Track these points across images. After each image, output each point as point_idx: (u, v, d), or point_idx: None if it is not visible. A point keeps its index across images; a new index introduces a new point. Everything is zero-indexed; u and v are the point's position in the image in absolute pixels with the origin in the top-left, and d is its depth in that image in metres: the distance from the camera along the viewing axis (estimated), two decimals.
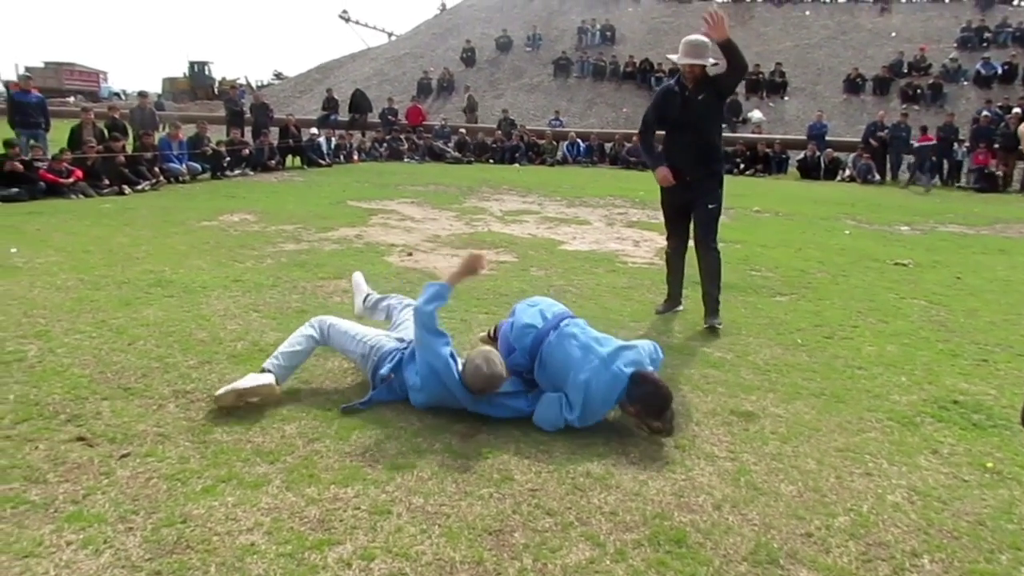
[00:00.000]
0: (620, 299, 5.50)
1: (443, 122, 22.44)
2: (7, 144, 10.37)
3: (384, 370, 3.35)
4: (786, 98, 24.26)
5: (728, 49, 4.37)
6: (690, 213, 4.83)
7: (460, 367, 3.19)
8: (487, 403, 3.19)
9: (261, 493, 2.56)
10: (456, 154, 20.18)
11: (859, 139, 19.01)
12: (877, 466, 2.93)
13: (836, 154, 18.83)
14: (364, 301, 4.19)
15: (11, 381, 3.48)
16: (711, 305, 4.77)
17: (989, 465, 2.96)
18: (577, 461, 2.86)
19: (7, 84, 19.29)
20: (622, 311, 5.14)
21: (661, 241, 8.48)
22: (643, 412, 3.04)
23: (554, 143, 21.13)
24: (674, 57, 4.72)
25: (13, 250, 6.45)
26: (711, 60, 4.59)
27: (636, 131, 21.82)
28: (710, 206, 4.70)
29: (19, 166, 10.00)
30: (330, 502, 2.52)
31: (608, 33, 28.39)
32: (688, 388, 3.68)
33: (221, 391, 3.22)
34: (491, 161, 20.15)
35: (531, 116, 24.26)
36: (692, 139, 4.69)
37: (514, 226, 9.06)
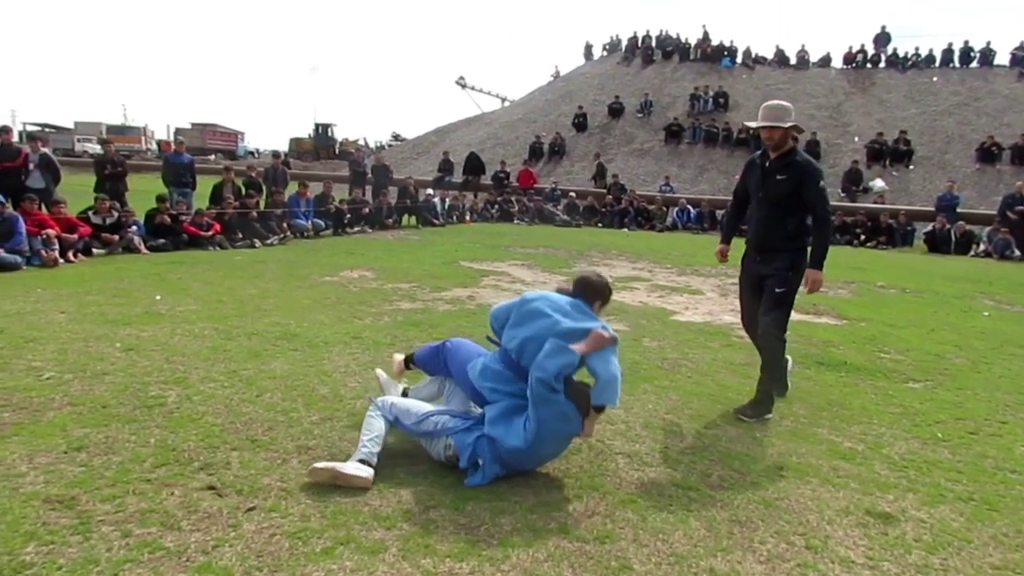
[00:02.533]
0: (738, 376, 5.30)
1: (554, 185, 22.79)
2: (159, 199, 11.37)
3: (462, 463, 3.28)
4: (911, 167, 23.28)
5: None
6: (760, 293, 4.49)
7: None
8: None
9: (378, 560, 2.57)
10: (565, 217, 20.39)
11: (995, 212, 17.87)
12: None
13: (969, 227, 17.75)
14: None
15: (152, 425, 3.69)
16: (756, 393, 4.44)
17: None
18: (699, 555, 2.72)
19: (160, 144, 21.12)
20: (740, 389, 4.94)
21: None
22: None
23: (664, 209, 21.02)
24: (752, 124, 4.55)
25: (158, 297, 6.95)
26: (789, 123, 4.26)
27: None
28: (777, 290, 4.34)
29: (167, 219, 10.91)
30: None
31: (721, 100, 28.31)
32: (817, 481, 3.47)
33: (321, 465, 3.17)
34: (600, 225, 20.23)
35: (641, 181, 24.31)
36: (765, 215, 4.42)
37: (624, 293, 8.98)
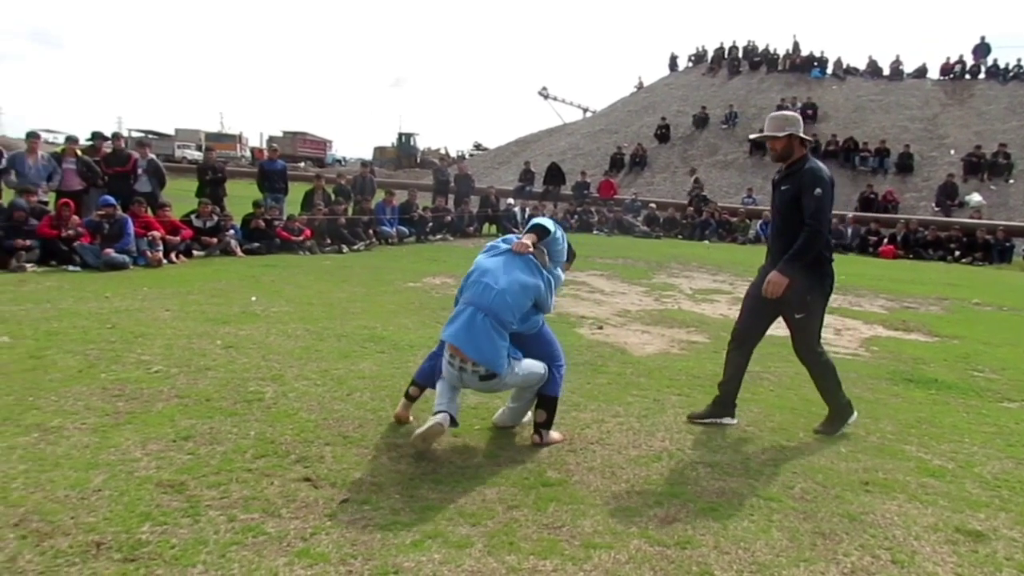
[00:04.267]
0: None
1: (634, 196, 22.67)
2: (255, 205, 11.96)
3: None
4: (1011, 181, 22.10)
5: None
6: (763, 309, 4.25)
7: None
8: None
9: (464, 555, 2.67)
10: (645, 228, 20.25)
11: None
12: None
13: None
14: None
15: (252, 419, 3.92)
16: (830, 410, 4.29)
17: None
18: (781, 565, 2.71)
19: (254, 151, 22.11)
20: (823, 405, 4.84)
21: (865, 331, 8.00)
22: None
23: (747, 221, 20.61)
24: (753, 136, 4.47)
25: (253, 298, 7.32)
26: (785, 132, 4.10)
27: (837, 212, 20.73)
28: (797, 316, 4.14)
29: (262, 224, 11.46)
30: (529, 573, 2.58)
31: (810, 111, 27.51)
32: (904, 497, 3.38)
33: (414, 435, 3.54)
34: (680, 237, 20.00)
35: (723, 193, 23.92)
36: (777, 227, 4.27)
37: (705, 305, 8.89)
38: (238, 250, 10.96)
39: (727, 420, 4.32)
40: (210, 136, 44.72)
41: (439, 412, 3.56)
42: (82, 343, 5.25)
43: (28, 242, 8.86)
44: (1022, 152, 22.97)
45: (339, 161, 50.47)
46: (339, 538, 2.73)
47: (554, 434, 3.86)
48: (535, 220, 3.87)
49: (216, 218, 11.15)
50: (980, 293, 11.29)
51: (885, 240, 18.89)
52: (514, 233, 4.23)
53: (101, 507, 2.86)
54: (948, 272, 15.21)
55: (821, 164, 4.19)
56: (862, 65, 31.69)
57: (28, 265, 8.65)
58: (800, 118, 4.30)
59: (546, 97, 43.43)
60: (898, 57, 31.08)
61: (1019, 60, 28.97)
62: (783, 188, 4.16)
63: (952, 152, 24.06)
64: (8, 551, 2.51)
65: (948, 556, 2.86)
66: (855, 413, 4.31)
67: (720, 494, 3.32)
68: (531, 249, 3.70)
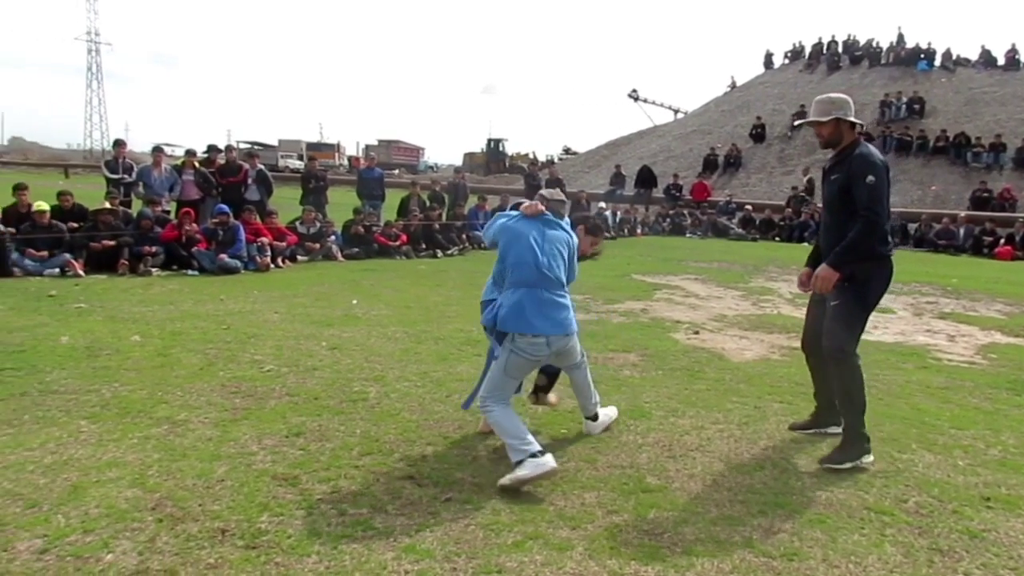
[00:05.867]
0: (936, 400, 4.95)
1: (728, 198, 22.15)
2: (356, 211, 12.45)
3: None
4: None
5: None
6: (822, 312, 3.92)
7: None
8: None
9: (566, 557, 2.70)
10: (740, 231, 19.76)
11: None
12: None
13: None
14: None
15: (357, 418, 4.09)
16: (843, 434, 3.80)
17: None
18: None
19: (351, 160, 22.87)
20: (940, 415, 4.62)
21: (982, 337, 7.55)
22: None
23: None
24: (798, 122, 4.15)
25: (354, 302, 7.60)
26: (831, 116, 3.75)
27: (947, 212, 19.65)
28: (833, 303, 3.75)
29: (361, 230, 11.87)
30: None
31: (916, 106, 26.18)
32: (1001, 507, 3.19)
33: (506, 481, 3.25)
34: (777, 239, 19.40)
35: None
36: (827, 219, 3.94)
37: (804, 310, 8.58)
38: (339, 255, 11.39)
39: (832, 429, 4.12)
40: (311, 146, 46.58)
41: (544, 454, 3.29)
42: (202, 342, 5.60)
43: (154, 248, 9.51)
44: None
45: (431, 167, 51.61)
46: (443, 536, 2.82)
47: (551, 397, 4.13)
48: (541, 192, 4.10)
49: (319, 224, 11.63)
50: None
51: (1002, 240, 17.72)
52: (606, 236, 4.21)
53: (224, 496, 3.06)
54: None
55: (873, 148, 3.82)
56: (974, 56, 29.89)
57: (154, 270, 9.29)
58: (850, 100, 3.91)
59: (636, 99, 42.94)
60: (1014, 46, 28.98)
61: None
62: (832, 178, 3.82)
63: None
64: (148, 532, 2.73)
65: None
66: (871, 455, 3.73)
67: (828, 505, 3.22)
68: (542, 208, 3.74)
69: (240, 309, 7.09)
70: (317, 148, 44.79)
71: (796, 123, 4.23)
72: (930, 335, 7.42)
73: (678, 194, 22.57)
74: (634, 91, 43.09)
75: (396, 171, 40.29)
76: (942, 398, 5.07)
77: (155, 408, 4.09)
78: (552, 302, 3.55)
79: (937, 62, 29.97)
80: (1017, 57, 28.65)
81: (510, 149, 50.27)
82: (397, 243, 12.16)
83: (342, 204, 14.00)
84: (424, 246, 12.66)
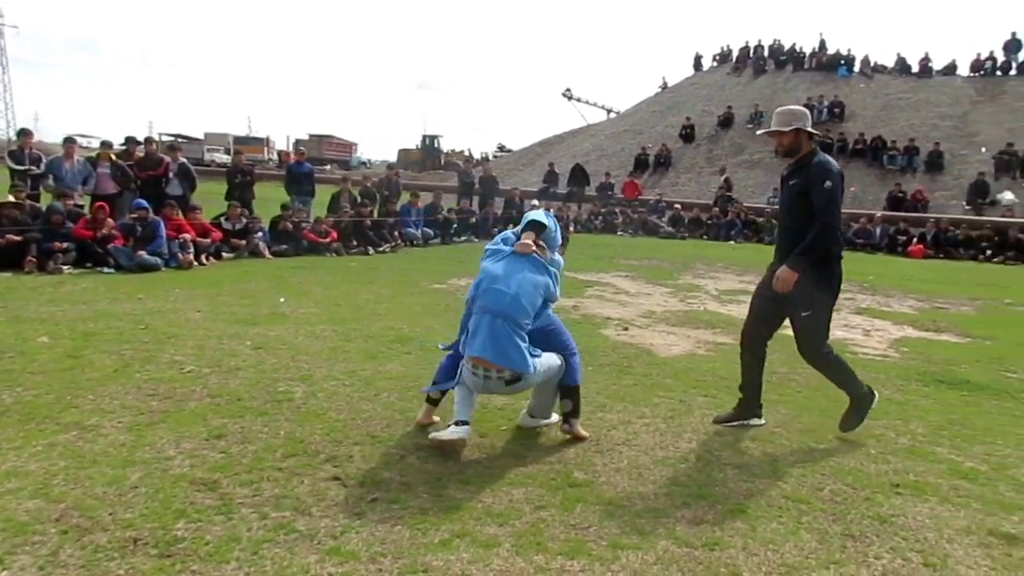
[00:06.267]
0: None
1: (658, 197, 22.57)
2: (283, 207, 12.13)
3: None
4: None
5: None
6: (772, 307, 4.22)
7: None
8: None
9: (492, 554, 2.69)
10: (670, 229, 20.17)
11: None
12: None
13: None
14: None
15: (282, 418, 3.98)
16: (850, 403, 4.19)
17: None
18: (811, 567, 2.70)
19: (281, 154, 22.35)
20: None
21: (895, 332, 7.90)
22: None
23: (773, 221, 20.38)
24: (760, 131, 4.37)
25: (281, 299, 7.42)
26: (791, 126, 4.01)
27: (865, 212, 20.45)
28: (804, 314, 4.03)
29: (289, 226, 11.60)
30: (557, 572, 2.59)
31: (836, 110, 27.23)
32: (936, 500, 3.35)
33: (430, 436, 3.63)
34: (705, 237, 19.89)
35: (750, 193, 23.72)
36: (786, 224, 4.19)
37: (731, 306, 8.83)
38: (266, 252, 11.10)
39: (754, 421, 4.29)
40: (238, 140, 45.29)
41: (462, 424, 3.62)
42: (117, 343, 5.36)
43: (65, 245, 9.05)
44: None
45: (364, 163, 50.86)
46: (368, 536, 2.77)
47: (580, 429, 3.89)
48: (530, 216, 3.89)
49: (245, 220, 11.31)
50: (1013, 293, 11.11)
51: (915, 239, 18.62)
52: (511, 230, 4.22)
53: (138, 504, 2.93)
54: (980, 271, 14.96)
55: (829, 158, 4.10)
56: (890, 63, 31.27)
57: (65, 267, 8.84)
58: (807, 112, 4.22)
59: (570, 98, 43.32)
60: (927, 54, 30.55)
61: None
62: (791, 183, 4.08)
63: (983, 150, 23.61)
64: (50, 545, 2.58)
65: (981, 559, 2.82)
66: (877, 396, 4.23)
67: (748, 495, 3.31)
68: (534, 248, 3.72)
69: (160, 308, 6.83)
70: (245, 142, 43.57)
71: (758, 132, 4.35)
72: (847, 330, 7.72)
73: (610, 192, 22.87)
74: (568, 90, 43.47)
75: (328, 167, 39.50)
76: None
77: (63, 413, 3.88)
78: (507, 334, 3.56)
79: (856, 68, 31.21)
80: (930, 65, 30.10)
81: (446, 146, 50.08)
82: (327, 240, 11.92)
83: (271, 200, 13.63)
84: (355, 243, 12.46)
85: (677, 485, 3.40)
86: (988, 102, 26.97)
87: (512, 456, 3.64)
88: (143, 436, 3.64)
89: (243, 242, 10.97)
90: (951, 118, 26.10)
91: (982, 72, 29.06)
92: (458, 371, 3.85)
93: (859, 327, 7.92)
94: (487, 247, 3.92)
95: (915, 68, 30.31)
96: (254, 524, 2.82)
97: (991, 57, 29.26)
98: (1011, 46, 29.17)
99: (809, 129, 4.09)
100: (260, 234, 11.31)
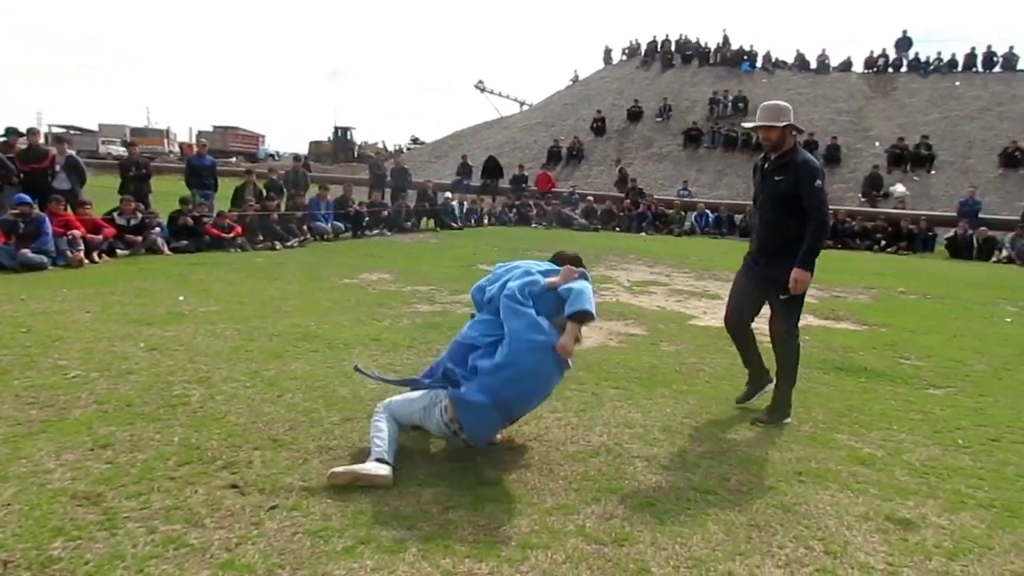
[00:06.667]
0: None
1: (571, 189, 22.80)
2: (182, 201, 11.55)
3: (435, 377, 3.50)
4: (932, 172, 23.04)
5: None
6: (753, 293, 4.50)
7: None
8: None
9: (398, 560, 2.59)
10: (583, 221, 20.39)
11: (1018, 217, 17.65)
12: None
13: (991, 233, 17.53)
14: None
15: (176, 424, 3.75)
16: (773, 399, 4.43)
17: None
18: (718, 559, 2.72)
19: (182, 147, 21.39)
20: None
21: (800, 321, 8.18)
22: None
23: (682, 213, 20.97)
24: (747, 124, 4.55)
25: (180, 298, 7.05)
26: (783, 122, 4.19)
27: None
28: (782, 297, 4.29)
29: (190, 221, 11.06)
30: None
31: (740, 104, 28.17)
32: (836, 486, 3.45)
33: (340, 470, 3.17)
34: (617, 229, 20.22)
35: (659, 185, 24.27)
36: (768, 218, 4.36)
37: (642, 297, 8.97)
38: (165, 248, 10.55)
39: (769, 386, 4.56)
40: (135, 131, 42.98)
41: (386, 464, 3.22)
42: None
43: None
44: (942, 144, 23.97)
45: (272, 156, 49.27)
46: (266, 547, 2.63)
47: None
48: (581, 305, 3.45)
49: (140, 215, 10.71)
50: (905, 282, 11.72)
51: None
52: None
53: (10, 523, 2.69)
54: (875, 261, 15.75)
55: (809, 155, 4.32)
56: (790, 59, 32.59)
57: None
58: (791, 108, 4.37)
59: (483, 90, 43.33)
60: (824, 51, 32.02)
61: (939, 54, 30.30)
62: (777, 179, 4.23)
63: (877, 144, 24.93)
64: None
65: (879, 545, 2.91)
66: (790, 418, 4.37)
67: (657, 488, 3.32)
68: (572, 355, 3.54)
69: (45, 309, 6.37)
70: (143, 134, 41.50)
71: (747, 125, 4.47)
72: (760, 320, 7.94)
73: (523, 185, 22.96)
74: (480, 82, 43.47)
75: (233, 159, 38.12)
76: None
77: None
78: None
79: (759, 64, 32.38)
80: (827, 62, 31.53)
81: (359, 138, 49.09)
82: (231, 235, 11.42)
83: (172, 194, 12.99)
84: (261, 238, 12.01)
85: (587, 480, 3.38)
86: (881, 98, 28.49)
87: (420, 457, 3.54)
88: (19, 448, 3.35)
89: (139, 238, 10.38)
90: (847, 113, 27.43)
91: (875, 69, 30.66)
92: (420, 403, 3.48)
93: (763, 315, 8.16)
94: (513, 286, 3.54)
95: (813, 64, 31.68)
96: (140, 539, 2.63)
97: (884, 54, 30.92)
98: (902, 44, 30.91)
99: (796, 124, 4.28)
100: (158, 230, 10.74)
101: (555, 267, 3.73)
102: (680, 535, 2.89)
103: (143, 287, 7.65)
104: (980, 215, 18.41)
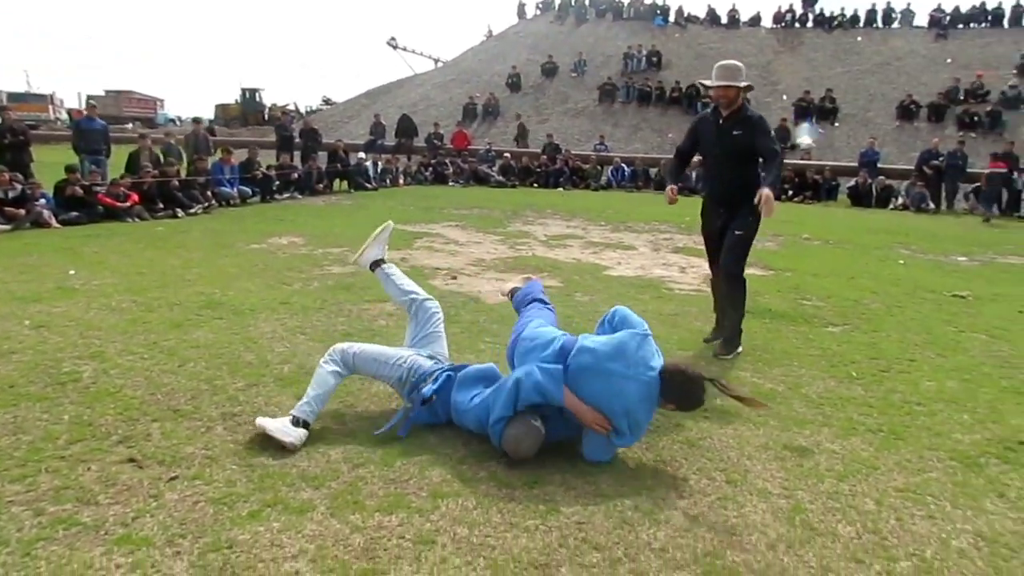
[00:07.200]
0: (667, 326, 5.40)
1: (488, 146, 22.62)
2: (68, 169, 10.70)
3: (426, 391, 3.30)
4: (836, 124, 23.89)
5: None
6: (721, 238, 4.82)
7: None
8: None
9: (306, 519, 2.54)
10: (500, 178, 20.30)
11: (912, 167, 18.56)
12: (940, 508, 2.79)
13: (888, 182, 18.38)
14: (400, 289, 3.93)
15: (66, 402, 3.55)
16: (722, 332, 4.80)
17: None
18: (625, 494, 2.79)
19: (71, 113, 20.07)
20: (669, 339, 5.04)
21: (708, 268, 8.41)
22: (683, 405, 3.07)
23: (598, 168, 21.13)
24: (708, 82, 4.64)
25: (71, 272, 6.65)
26: (743, 82, 4.53)
27: None
28: (737, 232, 4.64)
29: (79, 191, 10.36)
30: (374, 530, 2.49)
31: (654, 59, 28.43)
32: (739, 421, 3.58)
33: (259, 422, 3.17)
34: (535, 185, 20.23)
35: (576, 141, 24.33)
36: (726, 170, 4.69)
37: (559, 251, 9.03)
38: (53, 221, 9.84)
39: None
40: (13, 96, 39.54)
41: (300, 428, 3.15)
42: None
43: None
44: (846, 97, 24.84)
45: (173, 121, 46.86)
46: (165, 518, 2.53)
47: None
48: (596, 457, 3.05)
49: (20, 187, 9.95)
50: (810, 228, 12.21)
51: None
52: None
53: None
54: (782, 210, 16.00)
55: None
56: (702, 13, 33.06)
57: None
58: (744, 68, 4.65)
59: (395, 47, 42.12)
60: (734, 5, 32.72)
61: (842, 9, 31.35)
62: (736, 134, 4.53)
63: (784, 97, 25.64)
64: None
65: (776, 472, 3.04)
66: (741, 347, 4.76)
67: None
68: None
69: None
70: (22, 99, 38.13)
71: (713, 83, 4.52)
72: (665, 268, 8.14)
73: (439, 143, 22.62)
74: (393, 39, 42.20)
75: (129, 125, 35.92)
76: (672, 323, 5.55)
77: None
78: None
79: (671, 18, 32.66)
80: (737, 16, 32.09)
81: (268, 99, 47.11)
82: (127, 204, 10.78)
83: (60, 163, 12.11)
84: (161, 206, 11.39)
85: None
86: (788, 52, 29.23)
87: (330, 418, 3.45)
88: None
89: (21, 211, 9.65)
90: (756, 67, 28.01)
91: (783, 24, 31.38)
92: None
93: (675, 265, 8.37)
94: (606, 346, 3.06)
95: (724, 19, 32.18)
96: (26, 523, 2.48)
97: (791, 9, 31.68)
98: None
99: (749, 83, 4.59)
100: (43, 201, 10.01)
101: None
102: (589, 474, 2.94)
103: (28, 263, 7.16)
104: (879, 165, 19.24)
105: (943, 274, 8.40)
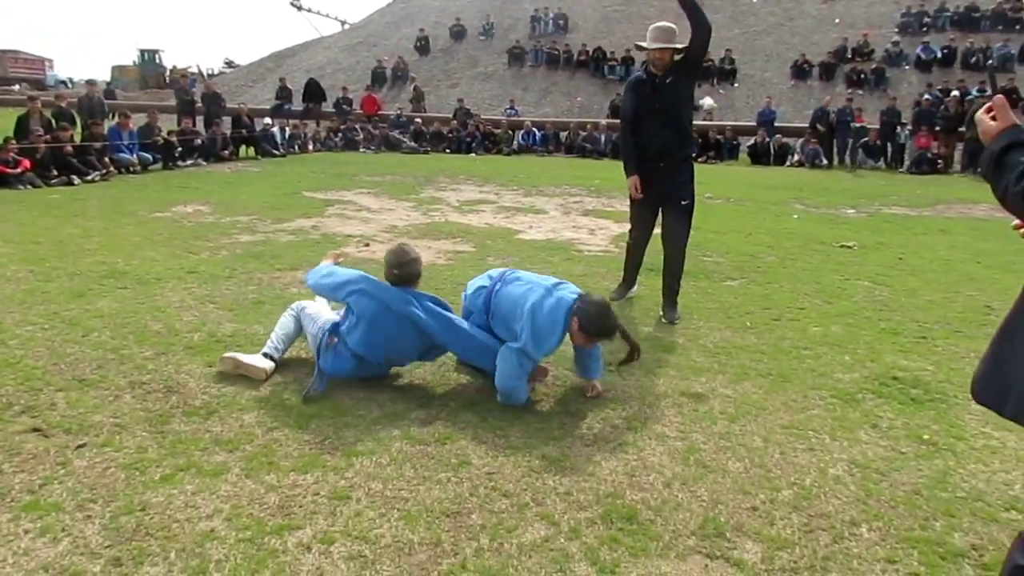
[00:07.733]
0: (576, 286, 5.57)
1: (399, 111, 22.29)
2: None
3: (330, 326, 3.52)
4: (736, 85, 24.62)
5: (689, 8, 4.48)
6: (659, 205, 4.90)
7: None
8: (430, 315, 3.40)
9: (220, 481, 2.59)
10: (412, 144, 20.09)
11: (807, 124, 19.46)
12: (820, 441, 3.07)
13: (785, 140, 19.23)
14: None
15: None
16: (671, 299, 4.89)
17: (925, 437, 3.13)
18: (533, 445, 2.94)
19: None
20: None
21: (616, 229, 8.67)
22: (592, 333, 3.31)
23: (509, 132, 21.16)
24: (644, 44, 4.72)
25: None
26: (679, 44, 4.63)
27: (591, 120, 21.70)
28: (683, 202, 4.77)
29: None
30: (289, 488, 2.56)
31: (561, 22, 28.45)
32: (641, 372, 3.79)
33: (227, 355, 3.55)
34: (447, 151, 20.11)
35: (486, 105, 24.23)
36: (661, 125, 4.69)
37: (471, 216, 9.10)
38: None
39: (634, 290, 5.36)
40: None
41: (269, 360, 3.60)
42: None
43: None
44: (744, 58, 25.58)
45: (64, 83, 43.87)
46: (75, 485, 2.52)
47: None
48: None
49: None
50: (712, 188, 12.62)
51: None
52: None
53: None
54: None
55: None
56: None
57: None
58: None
59: (299, 8, 40.70)
60: None
61: None
62: (668, 81, 4.65)
63: None
64: None
65: (674, 417, 3.27)
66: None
67: (480, 390, 3.49)
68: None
69: None
70: None
71: (655, 46, 4.55)
72: (575, 230, 8.33)
73: (348, 108, 22.12)
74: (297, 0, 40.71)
75: (16, 87, 33.57)
76: (580, 284, 5.56)
77: None
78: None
79: None
80: None
81: (168, 62, 44.67)
82: (17, 170, 10.18)
83: None
84: (55, 172, 10.80)
85: (413, 387, 3.50)
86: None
87: (243, 385, 3.46)
88: None
89: None
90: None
91: None
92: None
93: (585, 227, 8.58)
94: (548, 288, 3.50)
95: None
96: None
97: None
98: None
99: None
100: None
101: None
102: (500, 428, 3.08)
103: None
104: (776, 124, 20.06)
105: (833, 226, 8.95)
